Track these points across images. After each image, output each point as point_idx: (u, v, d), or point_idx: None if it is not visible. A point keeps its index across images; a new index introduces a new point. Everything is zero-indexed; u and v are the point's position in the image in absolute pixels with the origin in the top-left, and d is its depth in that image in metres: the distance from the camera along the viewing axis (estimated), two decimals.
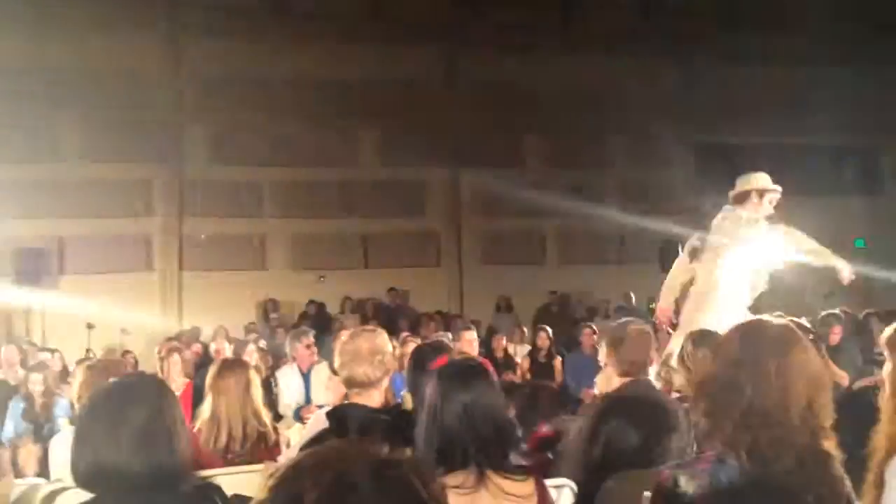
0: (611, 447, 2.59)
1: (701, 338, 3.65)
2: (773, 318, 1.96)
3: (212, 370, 3.69)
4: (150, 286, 13.61)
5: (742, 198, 5.45)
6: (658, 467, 2.07)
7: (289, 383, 6.54)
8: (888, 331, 2.28)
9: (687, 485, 1.77)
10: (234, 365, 3.69)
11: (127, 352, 10.20)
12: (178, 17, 14.03)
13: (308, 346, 6.38)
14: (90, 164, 13.33)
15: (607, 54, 15.38)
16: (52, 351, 9.17)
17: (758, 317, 2.01)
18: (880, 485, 2.07)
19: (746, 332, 1.88)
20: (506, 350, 9.09)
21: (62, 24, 12.80)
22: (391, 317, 12.95)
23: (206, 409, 3.56)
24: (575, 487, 2.86)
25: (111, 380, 2.11)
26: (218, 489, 2.06)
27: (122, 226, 13.52)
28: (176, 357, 6.23)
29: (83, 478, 1.88)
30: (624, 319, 3.77)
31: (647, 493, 2.23)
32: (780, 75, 15.74)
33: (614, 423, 2.60)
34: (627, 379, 3.33)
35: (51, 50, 12.83)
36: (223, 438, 3.43)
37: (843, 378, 6.38)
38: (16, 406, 6.34)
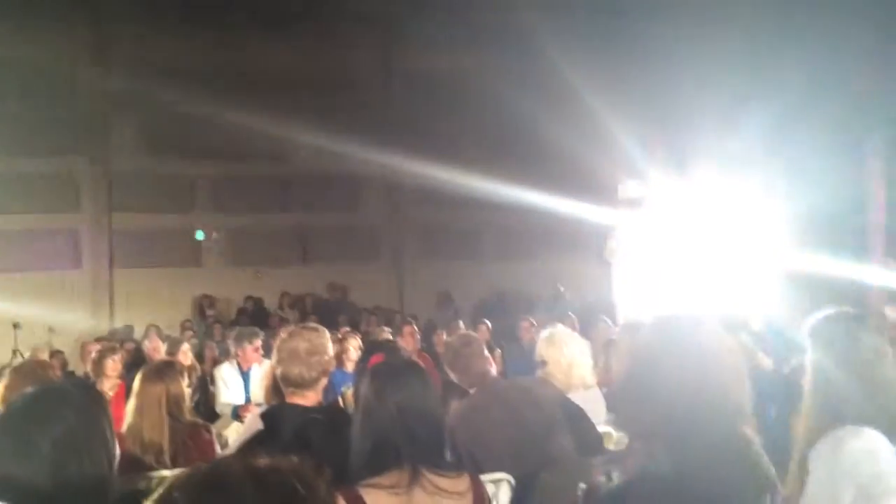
0: None
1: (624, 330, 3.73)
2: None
3: (137, 377, 3.59)
4: (79, 284, 13.18)
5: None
6: (591, 461, 2.10)
7: (228, 382, 6.43)
8: (811, 320, 2.33)
9: (619, 478, 1.80)
10: (159, 372, 3.58)
11: (56, 352, 9.85)
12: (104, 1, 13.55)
13: (256, 350, 6.26)
14: (13, 158, 12.74)
15: (547, 49, 15.47)
16: None
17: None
18: (804, 471, 2.12)
19: (657, 325, 1.92)
20: None
21: None
22: (330, 312, 12.86)
23: (129, 418, 3.48)
24: (513, 481, 2.88)
25: (30, 389, 1.99)
26: (146, 494, 1.99)
27: (48, 221, 13.02)
28: (110, 358, 6.02)
29: None
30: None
31: (583, 485, 2.27)
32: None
33: None
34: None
35: None
36: (148, 451, 3.37)
37: (765, 362, 6.59)
38: None
